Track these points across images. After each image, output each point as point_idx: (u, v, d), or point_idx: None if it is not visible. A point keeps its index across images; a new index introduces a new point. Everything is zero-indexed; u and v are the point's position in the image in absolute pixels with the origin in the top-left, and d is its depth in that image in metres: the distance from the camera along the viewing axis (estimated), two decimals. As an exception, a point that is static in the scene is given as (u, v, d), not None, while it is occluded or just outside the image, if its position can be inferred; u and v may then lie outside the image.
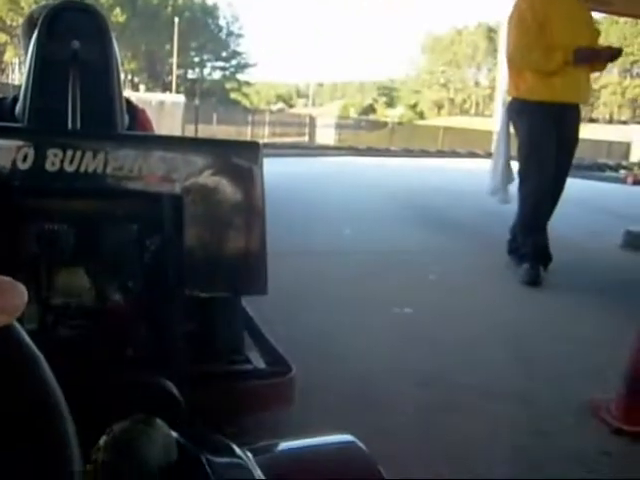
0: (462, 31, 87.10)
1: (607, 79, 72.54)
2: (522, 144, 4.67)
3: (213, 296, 1.61)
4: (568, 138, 4.62)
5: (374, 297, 4.00)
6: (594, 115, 67.89)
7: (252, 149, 1.65)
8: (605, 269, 5.28)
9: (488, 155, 29.69)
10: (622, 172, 21.38)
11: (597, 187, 16.26)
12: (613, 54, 4.57)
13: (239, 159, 1.61)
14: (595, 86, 73.44)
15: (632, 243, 6.12)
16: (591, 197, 13.92)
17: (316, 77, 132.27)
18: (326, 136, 34.04)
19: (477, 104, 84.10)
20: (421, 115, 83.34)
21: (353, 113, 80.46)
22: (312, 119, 36.40)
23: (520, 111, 4.65)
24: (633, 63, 69.27)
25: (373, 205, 8.45)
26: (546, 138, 4.47)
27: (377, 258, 5.27)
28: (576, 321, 3.78)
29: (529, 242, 4.56)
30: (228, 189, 1.58)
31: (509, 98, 4.90)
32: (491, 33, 73.62)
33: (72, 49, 1.54)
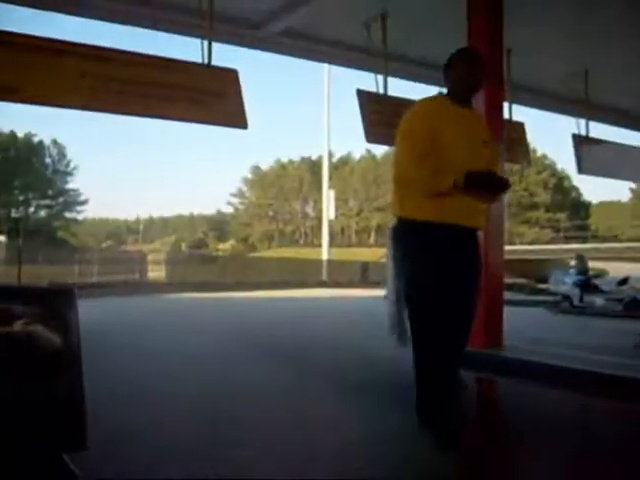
0: (287, 165, 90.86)
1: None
2: (405, 274, 3.94)
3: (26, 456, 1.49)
4: (470, 271, 3.90)
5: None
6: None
7: (66, 295, 1.59)
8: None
9: (319, 284, 30.53)
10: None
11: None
12: (503, 184, 3.81)
13: (52, 305, 1.55)
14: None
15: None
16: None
17: (146, 212, 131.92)
18: (157, 272, 33.66)
19: (306, 234, 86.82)
20: (252, 247, 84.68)
21: (185, 247, 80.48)
22: (143, 255, 35.88)
23: (405, 232, 3.92)
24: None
25: (211, 351, 8.33)
26: (433, 266, 3.73)
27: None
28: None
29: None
30: (41, 337, 1.51)
31: (392, 220, 4.14)
32: (315, 167, 77.30)
33: None
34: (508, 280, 12.95)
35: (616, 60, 9.44)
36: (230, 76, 6.76)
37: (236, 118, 6.72)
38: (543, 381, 5.24)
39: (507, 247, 15.03)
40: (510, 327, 7.02)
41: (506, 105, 8.78)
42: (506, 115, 8.78)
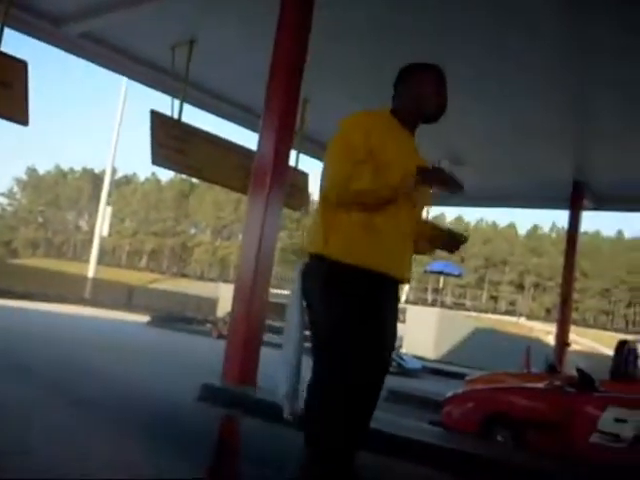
0: (67, 173, 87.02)
1: (200, 238, 77.65)
2: (321, 329, 3.00)
3: None
4: (391, 331, 3.08)
5: None
6: (186, 271, 71.52)
7: None
8: (179, 421, 5.44)
9: (80, 301, 29.23)
10: (208, 326, 22.54)
11: (185, 340, 16.78)
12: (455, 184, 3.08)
13: None
14: (189, 244, 78.12)
15: (207, 397, 6.33)
16: (178, 350, 14.32)
17: None
18: None
19: (75, 247, 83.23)
20: (15, 253, 79.63)
21: None
22: None
23: (326, 276, 3.00)
24: (224, 226, 75.30)
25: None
26: (360, 324, 2.90)
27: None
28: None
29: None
30: None
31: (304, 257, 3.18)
32: (96, 180, 74.62)
33: None
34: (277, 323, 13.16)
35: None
36: (17, 67, 6.36)
37: (17, 112, 6.33)
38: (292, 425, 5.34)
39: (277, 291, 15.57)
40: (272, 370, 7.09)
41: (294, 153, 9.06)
42: (293, 163, 9.07)
